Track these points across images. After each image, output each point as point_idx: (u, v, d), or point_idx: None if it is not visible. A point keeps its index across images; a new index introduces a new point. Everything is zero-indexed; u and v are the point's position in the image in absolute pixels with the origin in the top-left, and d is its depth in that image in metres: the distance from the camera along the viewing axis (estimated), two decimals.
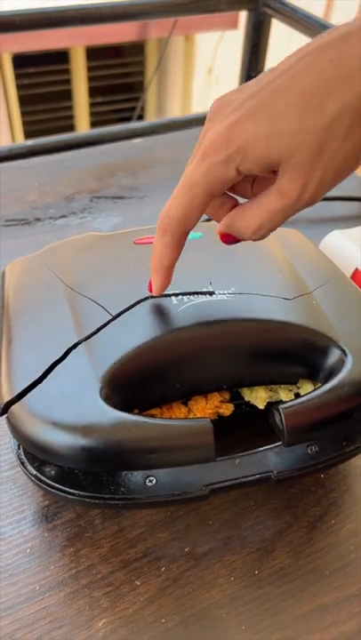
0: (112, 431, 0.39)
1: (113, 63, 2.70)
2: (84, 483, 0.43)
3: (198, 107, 2.73)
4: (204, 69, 2.64)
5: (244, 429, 0.51)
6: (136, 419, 0.40)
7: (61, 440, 0.39)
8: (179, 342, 0.45)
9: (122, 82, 2.75)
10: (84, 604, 0.43)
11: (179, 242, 0.43)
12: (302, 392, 0.49)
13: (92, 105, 2.69)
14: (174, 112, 2.82)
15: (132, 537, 0.48)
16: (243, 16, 1.10)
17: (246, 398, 0.49)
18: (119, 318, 0.46)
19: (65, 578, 0.45)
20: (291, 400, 0.48)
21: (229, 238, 0.43)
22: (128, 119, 1.43)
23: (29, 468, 0.44)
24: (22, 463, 0.44)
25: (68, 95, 2.63)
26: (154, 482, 0.43)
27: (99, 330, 0.46)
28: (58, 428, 0.39)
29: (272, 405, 0.49)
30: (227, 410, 0.48)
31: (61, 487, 0.43)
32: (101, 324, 0.46)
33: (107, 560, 0.46)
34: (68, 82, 2.58)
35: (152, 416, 0.47)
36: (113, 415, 0.40)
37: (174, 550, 0.47)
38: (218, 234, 0.44)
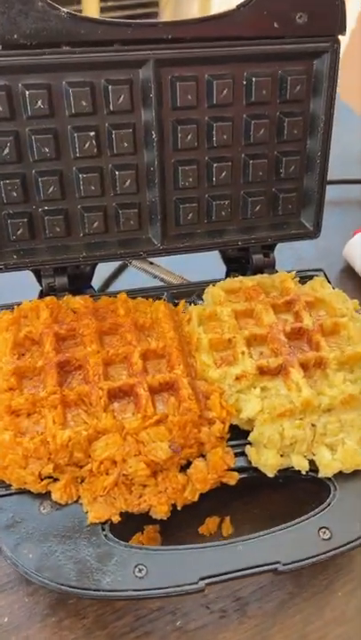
0: None
1: None
2: (65, 568, 0.38)
3: None
4: None
5: (250, 499, 0.46)
6: None
7: None
8: None
9: None
10: None
11: None
12: (318, 459, 0.43)
13: None
14: None
15: (120, 606, 0.43)
16: None
17: (254, 463, 0.44)
18: None
19: None
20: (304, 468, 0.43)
21: None
22: None
23: (5, 550, 0.39)
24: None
25: None
26: (144, 572, 0.38)
27: None
28: None
29: (283, 473, 0.44)
30: (231, 479, 0.43)
31: (41, 576, 0.38)
32: None
33: (91, 633, 0.42)
34: None
35: (144, 486, 0.41)
36: None
37: (165, 624, 0.43)
38: None
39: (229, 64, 0.49)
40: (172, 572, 0.38)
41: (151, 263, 0.61)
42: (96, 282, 0.60)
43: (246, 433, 0.45)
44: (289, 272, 0.55)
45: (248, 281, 0.53)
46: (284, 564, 0.39)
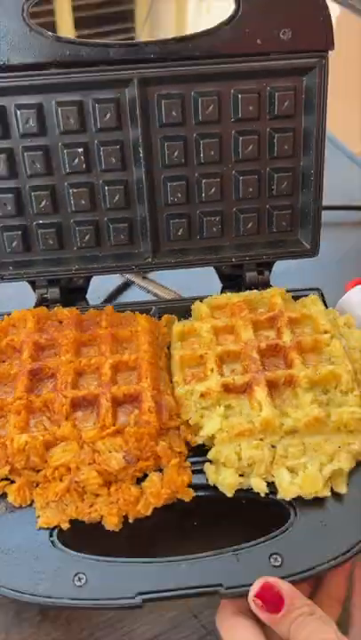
0: None
1: None
2: (5, 570, 0.39)
3: None
4: None
5: (204, 517, 0.44)
6: None
7: None
8: None
9: None
10: None
11: None
12: (277, 481, 0.42)
13: None
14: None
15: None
16: None
17: (212, 482, 0.43)
18: None
19: None
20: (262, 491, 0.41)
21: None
22: None
23: None
24: None
25: None
26: (83, 581, 0.38)
27: None
28: None
29: (242, 493, 0.43)
30: (186, 495, 0.42)
31: None
32: None
33: None
34: None
35: (97, 495, 0.41)
36: None
37: None
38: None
39: (215, 81, 0.49)
40: (110, 585, 0.38)
41: (144, 278, 0.61)
42: (101, 295, 0.61)
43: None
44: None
45: (235, 297, 0.53)
46: (226, 588, 0.38)
